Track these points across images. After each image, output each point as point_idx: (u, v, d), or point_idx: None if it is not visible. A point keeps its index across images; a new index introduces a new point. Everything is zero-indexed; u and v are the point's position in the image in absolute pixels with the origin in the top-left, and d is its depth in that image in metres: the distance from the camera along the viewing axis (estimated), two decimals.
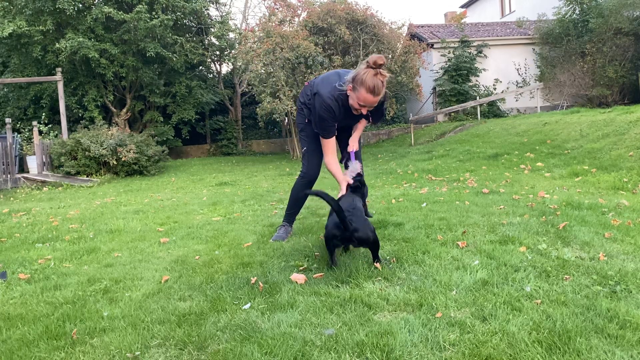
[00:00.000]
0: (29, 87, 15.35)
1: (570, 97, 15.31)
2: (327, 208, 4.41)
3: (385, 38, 13.56)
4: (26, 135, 13.18)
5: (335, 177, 2.89)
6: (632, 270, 2.23)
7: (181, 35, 15.48)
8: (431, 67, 17.12)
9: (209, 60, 18.67)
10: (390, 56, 14.07)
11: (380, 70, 2.52)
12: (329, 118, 2.77)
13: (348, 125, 3.03)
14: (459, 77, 16.57)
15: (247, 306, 2.07)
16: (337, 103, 2.74)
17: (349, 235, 2.37)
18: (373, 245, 2.45)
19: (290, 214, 3.35)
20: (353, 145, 3.00)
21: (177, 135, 17.44)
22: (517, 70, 17.62)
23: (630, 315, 1.76)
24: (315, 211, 4.30)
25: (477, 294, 2.03)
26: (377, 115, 2.91)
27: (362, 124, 3.04)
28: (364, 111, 2.67)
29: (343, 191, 2.80)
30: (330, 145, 2.88)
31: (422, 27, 19.15)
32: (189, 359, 1.67)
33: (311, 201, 5.00)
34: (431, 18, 60.25)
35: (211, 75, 19.86)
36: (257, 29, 13.69)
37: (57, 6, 13.15)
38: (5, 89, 16.12)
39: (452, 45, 17.18)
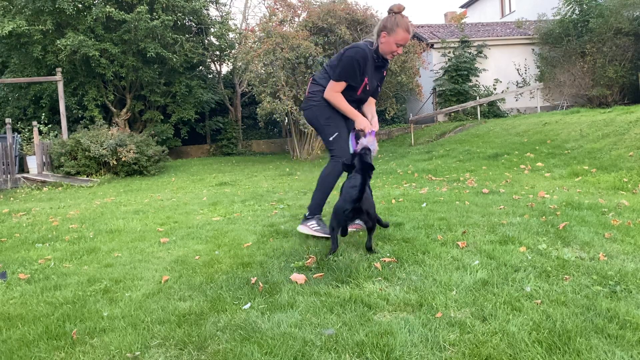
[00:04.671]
0: (29, 87, 15.35)
1: (570, 97, 15.31)
2: (327, 209, 4.41)
3: None
4: (26, 135, 13.18)
5: (348, 112, 3.08)
6: (632, 270, 2.23)
7: (181, 35, 15.48)
8: (431, 67, 17.12)
9: (209, 60, 18.68)
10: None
11: (402, 13, 2.97)
12: (362, 66, 3.00)
13: (371, 87, 3.19)
14: (459, 77, 16.57)
15: (247, 306, 2.07)
16: (369, 54, 3.03)
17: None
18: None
19: (319, 205, 3.30)
20: (375, 124, 3.18)
21: (176, 135, 17.45)
22: (517, 70, 17.62)
23: (630, 315, 1.76)
24: None
25: (477, 294, 2.03)
26: (378, 90, 3.26)
27: (372, 104, 3.28)
28: (400, 51, 3.02)
29: (362, 124, 3.04)
30: (341, 93, 3.08)
31: (422, 27, 19.15)
32: (189, 359, 1.67)
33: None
34: (431, 18, 60.31)
35: (211, 75, 19.88)
36: (257, 29, 13.68)
37: (57, 6, 13.15)
38: (5, 89, 16.12)
39: (452, 45, 17.18)
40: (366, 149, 3.00)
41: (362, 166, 2.88)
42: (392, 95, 15.02)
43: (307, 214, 3.26)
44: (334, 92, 3.05)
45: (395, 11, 2.95)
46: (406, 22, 2.93)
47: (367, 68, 3.04)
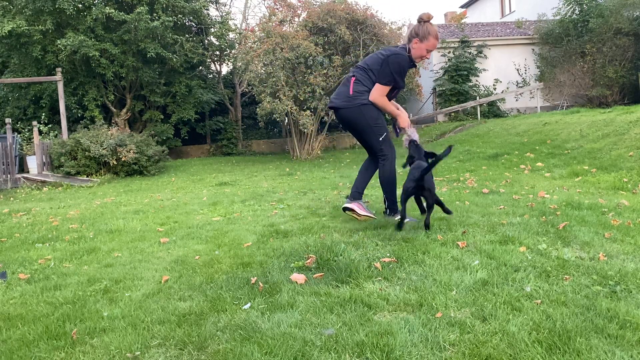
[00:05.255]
0: (29, 87, 15.34)
1: (570, 97, 15.31)
2: (327, 208, 4.41)
3: (385, 38, 13.55)
4: (26, 135, 13.18)
5: (393, 112, 3.43)
6: (632, 270, 2.23)
7: (181, 35, 15.47)
8: (431, 67, 17.12)
9: (209, 60, 18.65)
10: None
11: (431, 22, 3.27)
12: (404, 70, 3.30)
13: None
14: (459, 77, 16.58)
15: (247, 306, 2.07)
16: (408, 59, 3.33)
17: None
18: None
19: (394, 200, 3.57)
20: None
21: (176, 136, 17.45)
22: (517, 70, 17.63)
23: (630, 315, 1.76)
24: (316, 211, 4.30)
25: (477, 294, 2.03)
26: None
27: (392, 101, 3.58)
28: (429, 56, 3.38)
29: (405, 121, 3.45)
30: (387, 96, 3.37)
31: None
32: (189, 359, 1.67)
33: (311, 202, 5.00)
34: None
35: (211, 76, 19.86)
36: (257, 29, 13.68)
37: (57, 6, 13.14)
38: (5, 89, 16.11)
39: (452, 45, 17.19)
40: (414, 141, 3.48)
41: (424, 154, 3.43)
42: None
43: (386, 208, 3.64)
44: (381, 95, 3.29)
45: (425, 20, 3.24)
46: (436, 30, 3.22)
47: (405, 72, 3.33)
